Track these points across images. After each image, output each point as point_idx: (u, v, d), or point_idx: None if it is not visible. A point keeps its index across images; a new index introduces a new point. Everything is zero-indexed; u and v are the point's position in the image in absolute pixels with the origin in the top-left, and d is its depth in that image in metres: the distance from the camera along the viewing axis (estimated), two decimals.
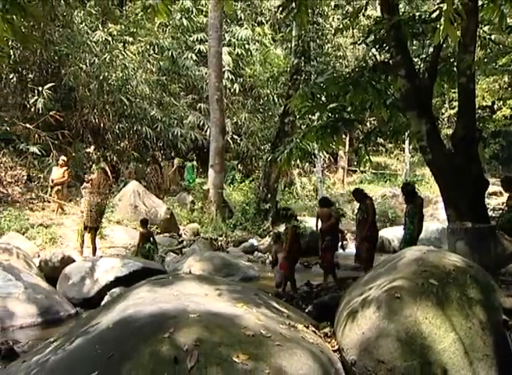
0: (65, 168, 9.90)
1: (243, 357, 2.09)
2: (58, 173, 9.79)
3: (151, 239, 7.61)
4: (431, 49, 5.39)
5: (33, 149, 10.96)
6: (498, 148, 16.67)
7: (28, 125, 11.21)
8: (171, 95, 14.67)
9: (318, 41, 13.43)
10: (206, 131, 14.06)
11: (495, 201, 6.36)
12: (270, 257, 6.51)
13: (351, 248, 7.39)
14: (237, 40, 15.74)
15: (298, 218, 6.29)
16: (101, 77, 12.54)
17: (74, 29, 12.52)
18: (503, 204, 6.02)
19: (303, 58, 11.87)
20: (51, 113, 10.97)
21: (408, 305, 2.49)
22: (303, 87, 7.91)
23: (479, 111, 13.54)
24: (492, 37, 6.28)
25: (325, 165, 18.22)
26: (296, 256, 5.79)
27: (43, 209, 9.96)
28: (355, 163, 18.04)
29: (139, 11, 13.95)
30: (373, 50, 5.85)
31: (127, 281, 5.31)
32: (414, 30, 5.46)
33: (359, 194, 6.39)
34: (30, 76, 12.35)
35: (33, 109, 11.26)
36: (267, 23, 17.67)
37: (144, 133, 13.32)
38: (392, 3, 4.99)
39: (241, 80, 15.96)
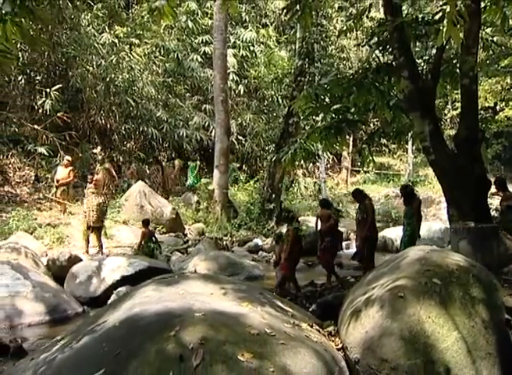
0: (71, 168, 9.96)
1: (248, 355, 2.11)
2: (63, 173, 9.84)
3: (153, 238, 7.67)
4: (434, 51, 5.38)
5: (41, 150, 11.07)
6: (500, 149, 16.62)
7: (36, 126, 11.33)
8: (176, 97, 14.75)
9: (321, 42, 13.47)
10: (211, 132, 14.09)
11: (497, 202, 6.36)
12: (274, 257, 6.57)
13: (354, 247, 7.43)
14: (242, 42, 15.78)
15: (302, 218, 6.35)
16: (108, 79, 12.64)
17: (81, 31, 12.60)
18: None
19: (307, 59, 11.90)
20: (58, 114, 11.07)
21: (411, 304, 2.49)
22: (307, 88, 7.94)
23: (482, 112, 13.51)
24: (495, 38, 6.30)
25: (328, 165, 18.26)
26: (297, 257, 5.82)
27: (50, 209, 10.06)
28: (358, 164, 18.03)
29: (145, 13, 14.05)
30: (376, 52, 5.83)
31: (133, 280, 5.40)
32: (417, 32, 5.46)
33: (358, 195, 6.44)
34: (38, 78, 12.47)
35: (41, 111, 11.36)
36: (271, 25, 17.72)
37: (150, 134, 13.41)
38: (396, 5, 5.00)
39: (246, 81, 16.01)
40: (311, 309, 3.77)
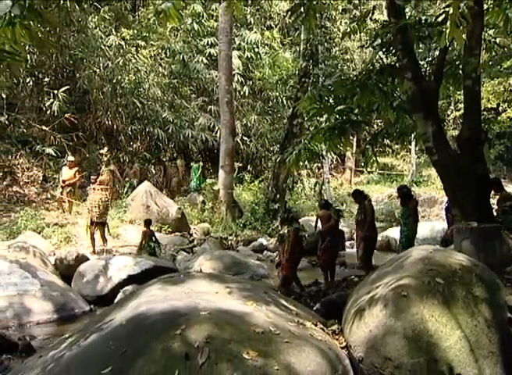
0: (77, 169, 10.04)
1: (253, 353, 2.13)
2: (68, 174, 9.89)
3: (153, 238, 7.74)
4: (437, 52, 5.39)
5: (49, 150, 11.22)
6: (503, 149, 16.64)
7: (44, 127, 11.48)
8: (182, 98, 14.85)
9: (326, 44, 13.54)
10: (216, 133, 14.16)
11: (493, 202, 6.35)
12: (278, 257, 6.62)
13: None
14: (247, 43, 15.86)
15: (306, 218, 6.39)
16: (115, 81, 12.77)
17: (88, 34, 12.73)
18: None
19: (311, 61, 11.96)
20: (66, 116, 11.21)
21: (415, 303, 2.51)
22: (311, 89, 7.98)
23: (484, 113, 13.49)
24: (497, 40, 6.28)
25: (332, 165, 18.30)
26: (298, 258, 5.85)
27: (58, 209, 10.16)
28: (362, 164, 18.11)
29: (151, 16, 14.18)
30: (380, 53, 5.86)
31: (139, 279, 5.46)
32: (420, 34, 5.48)
33: (358, 196, 6.45)
34: (46, 79, 12.62)
35: (48, 112, 11.50)
36: (276, 27, 17.79)
37: (156, 134, 13.50)
38: (399, 7, 4.99)
39: (250, 82, 16.08)
40: (315, 308, 3.80)
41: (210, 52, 15.32)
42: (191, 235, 10.01)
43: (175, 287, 2.91)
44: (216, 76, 14.03)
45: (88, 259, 6.92)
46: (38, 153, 11.57)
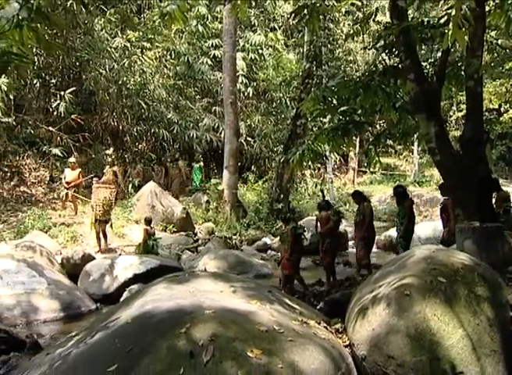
0: (80, 170, 10.13)
1: (257, 352, 2.15)
2: (72, 175, 9.92)
3: (152, 236, 7.77)
4: (439, 54, 5.40)
5: (56, 151, 11.32)
6: (505, 150, 16.66)
7: (51, 128, 11.61)
8: (187, 99, 14.93)
9: (329, 46, 13.60)
10: (221, 133, 14.22)
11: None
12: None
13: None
14: (251, 45, 15.92)
15: (310, 217, 6.41)
16: (120, 82, 12.87)
17: (95, 36, 12.84)
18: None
19: (314, 62, 12.00)
20: (72, 117, 11.32)
21: (417, 302, 2.52)
22: (314, 90, 8.04)
23: (486, 113, 13.51)
24: (499, 41, 6.27)
25: (336, 166, 18.35)
26: (299, 256, 5.87)
27: (64, 209, 10.27)
28: (365, 164, 18.12)
29: (156, 18, 14.24)
30: (383, 55, 5.85)
31: (145, 278, 5.49)
32: (422, 35, 5.50)
33: (357, 197, 6.49)
34: (52, 81, 12.74)
35: (55, 113, 11.60)
36: (279, 28, 17.85)
37: (161, 135, 13.58)
38: (402, 9, 5.00)
39: (255, 84, 16.15)
40: (318, 307, 3.83)
41: (214, 54, 15.40)
42: (196, 235, 10.04)
43: (180, 286, 2.94)
44: (220, 78, 14.09)
45: (94, 258, 6.98)
46: (45, 154, 11.71)
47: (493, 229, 4.30)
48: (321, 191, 8.84)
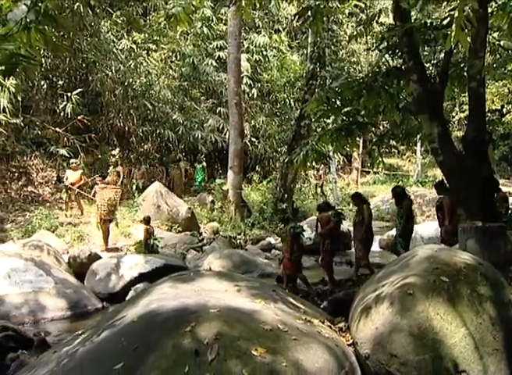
0: (81, 171, 10.23)
1: (262, 350, 2.17)
2: (74, 177, 10.01)
3: (152, 235, 7.83)
4: (442, 55, 5.43)
5: (63, 152, 11.46)
6: (507, 150, 16.63)
7: (58, 129, 11.73)
8: (192, 100, 15.03)
9: (332, 47, 13.63)
10: (225, 134, 14.30)
11: None
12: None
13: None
14: (255, 47, 16.01)
15: (313, 217, 6.42)
16: (126, 83, 12.99)
17: (101, 38, 12.98)
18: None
19: (318, 63, 12.01)
20: (79, 117, 11.44)
21: (420, 301, 2.54)
22: (318, 91, 8.05)
23: (489, 114, 13.53)
24: (502, 43, 6.28)
25: (339, 166, 18.37)
26: (299, 255, 5.91)
27: (71, 208, 10.39)
28: (368, 165, 18.19)
29: (162, 20, 14.30)
30: (386, 56, 5.84)
31: (150, 277, 5.53)
32: (425, 37, 5.50)
33: (357, 198, 6.52)
34: (59, 82, 12.90)
35: (62, 114, 11.73)
36: (284, 30, 17.94)
37: (167, 136, 13.68)
38: (405, 11, 5.02)
39: (259, 85, 16.23)
40: (322, 306, 3.87)
41: (219, 55, 15.49)
42: (201, 234, 10.09)
43: (185, 285, 2.97)
44: (225, 79, 14.18)
45: (100, 258, 7.04)
46: (52, 154, 11.84)
47: (495, 229, 4.34)
48: (322, 191, 8.87)
